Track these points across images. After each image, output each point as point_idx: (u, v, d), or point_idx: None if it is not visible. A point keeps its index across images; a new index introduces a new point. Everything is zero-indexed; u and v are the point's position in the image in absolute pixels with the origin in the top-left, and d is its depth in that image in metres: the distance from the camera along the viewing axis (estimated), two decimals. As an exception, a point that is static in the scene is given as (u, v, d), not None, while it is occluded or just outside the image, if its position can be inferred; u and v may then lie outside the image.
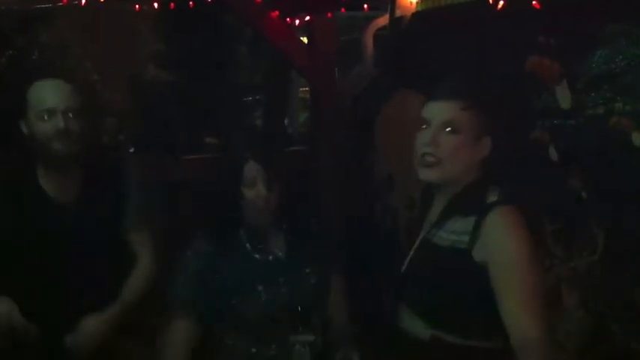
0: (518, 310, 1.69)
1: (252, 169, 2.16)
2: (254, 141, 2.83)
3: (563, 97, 3.06)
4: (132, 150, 6.71)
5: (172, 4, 5.11)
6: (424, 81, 2.46)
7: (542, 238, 2.88)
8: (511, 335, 1.69)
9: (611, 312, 2.72)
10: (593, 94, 3.00)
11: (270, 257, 2.22)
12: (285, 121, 6.64)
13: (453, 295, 1.74)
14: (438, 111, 1.83)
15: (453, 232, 1.79)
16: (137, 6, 5.54)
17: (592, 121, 2.97)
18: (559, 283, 2.91)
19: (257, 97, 7.08)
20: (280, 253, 2.23)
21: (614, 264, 2.77)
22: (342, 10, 4.96)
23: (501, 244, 1.72)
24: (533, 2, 3.13)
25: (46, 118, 2.14)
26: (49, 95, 2.16)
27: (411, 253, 1.87)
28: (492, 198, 1.81)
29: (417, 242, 1.87)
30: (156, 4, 5.14)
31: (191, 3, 4.85)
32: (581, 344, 2.70)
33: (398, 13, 4.33)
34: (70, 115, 2.16)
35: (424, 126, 1.84)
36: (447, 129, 1.81)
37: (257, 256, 2.20)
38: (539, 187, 2.84)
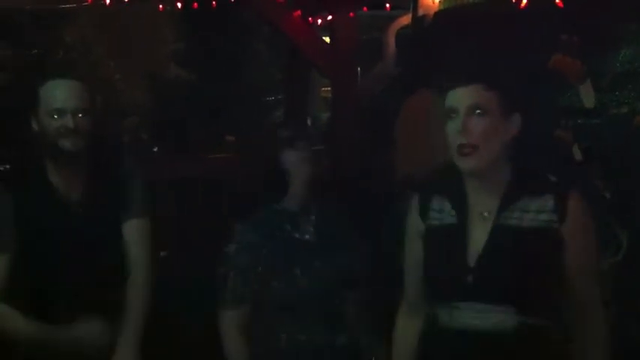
0: (594, 288, 1.82)
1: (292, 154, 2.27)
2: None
3: (587, 96, 3.03)
4: (155, 149, 6.79)
5: (195, 4, 5.14)
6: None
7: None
8: (585, 313, 1.81)
9: (632, 313, 2.69)
10: (617, 93, 2.97)
11: (307, 236, 2.29)
12: (308, 121, 6.65)
13: (539, 275, 1.75)
14: (463, 96, 1.81)
15: (539, 212, 1.78)
16: (160, 6, 5.59)
17: (616, 120, 2.94)
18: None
19: (279, 97, 7.11)
20: (314, 235, 2.30)
21: (637, 265, 2.74)
22: (364, 9, 4.97)
23: (587, 223, 1.80)
24: (557, 0, 3.10)
25: (55, 117, 2.16)
26: (59, 95, 2.19)
27: (484, 242, 1.82)
28: (552, 178, 1.83)
29: (489, 230, 1.83)
30: (179, 4, 5.19)
31: (214, 3, 4.88)
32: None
33: (420, 11, 4.31)
34: (80, 115, 2.18)
35: (453, 115, 1.82)
36: (477, 111, 1.79)
37: (297, 235, 2.27)
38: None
